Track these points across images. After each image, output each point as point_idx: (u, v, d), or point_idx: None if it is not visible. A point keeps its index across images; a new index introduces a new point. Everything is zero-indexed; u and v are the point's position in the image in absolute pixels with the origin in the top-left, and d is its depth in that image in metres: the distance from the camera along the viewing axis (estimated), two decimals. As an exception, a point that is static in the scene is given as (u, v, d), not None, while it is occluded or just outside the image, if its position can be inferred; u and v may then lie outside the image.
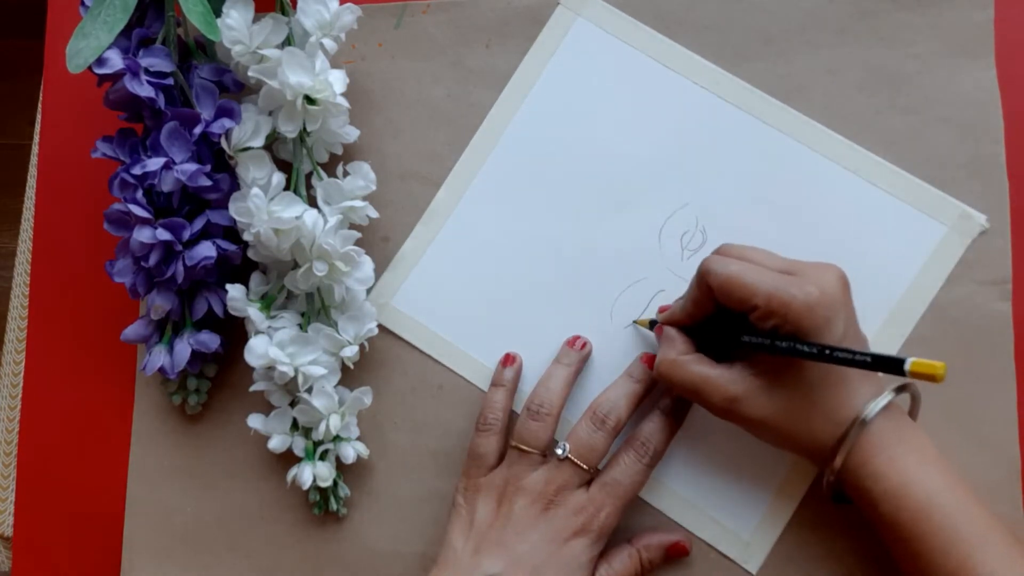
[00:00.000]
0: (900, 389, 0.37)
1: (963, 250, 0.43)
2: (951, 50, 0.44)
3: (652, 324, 0.44)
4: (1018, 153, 0.43)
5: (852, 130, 0.44)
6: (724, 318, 0.39)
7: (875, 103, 0.44)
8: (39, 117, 0.52)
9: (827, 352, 0.35)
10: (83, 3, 0.42)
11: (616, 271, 0.45)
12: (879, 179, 0.44)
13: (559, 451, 0.40)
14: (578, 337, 0.45)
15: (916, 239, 0.43)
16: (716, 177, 0.45)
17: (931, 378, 0.33)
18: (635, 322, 0.45)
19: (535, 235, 0.46)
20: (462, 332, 0.46)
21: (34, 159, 0.52)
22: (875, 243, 0.43)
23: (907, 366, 0.33)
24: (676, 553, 0.42)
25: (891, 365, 0.34)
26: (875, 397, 0.37)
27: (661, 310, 0.43)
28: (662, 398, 0.43)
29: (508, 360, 0.45)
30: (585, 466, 0.40)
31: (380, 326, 0.46)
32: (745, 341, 0.38)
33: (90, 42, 0.40)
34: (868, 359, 0.34)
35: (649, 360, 0.43)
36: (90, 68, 0.40)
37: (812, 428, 0.37)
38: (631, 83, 0.46)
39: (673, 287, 0.45)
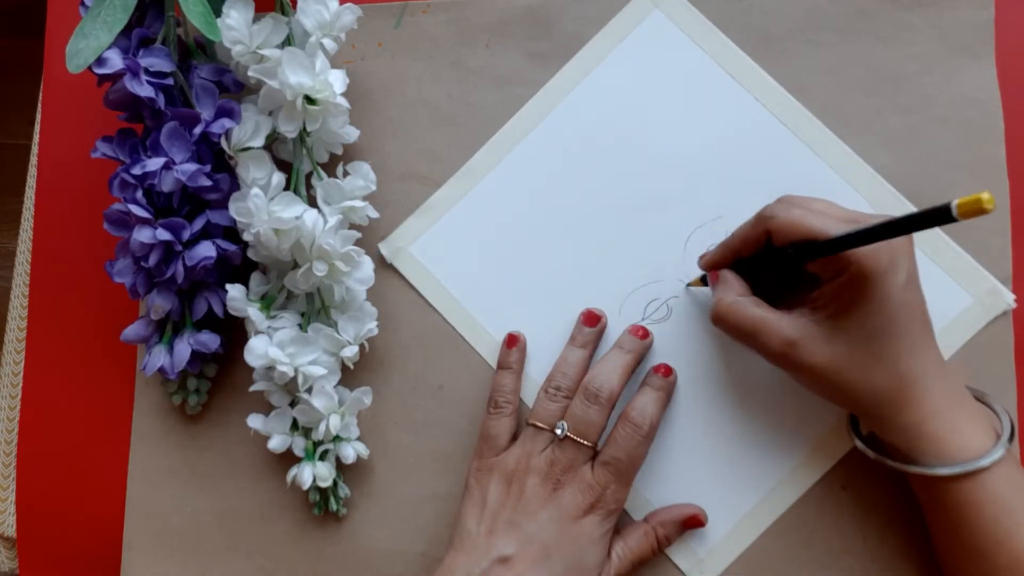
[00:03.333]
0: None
1: (983, 325, 0.42)
2: (951, 50, 0.44)
3: (703, 280, 0.43)
4: (1018, 153, 0.43)
5: (852, 130, 0.44)
6: (773, 257, 0.39)
7: (875, 103, 0.44)
8: (39, 117, 0.52)
9: (890, 225, 0.33)
10: (83, 3, 0.42)
11: (635, 268, 0.45)
12: (918, 236, 0.42)
13: (558, 431, 0.41)
14: (592, 312, 0.44)
15: (940, 304, 0.42)
16: (755, 195, 0.43)
17: (980, 211, 0.30)
18: (688, 285, 0.44)
19: (564, 215, 0.46)
20: (471, 292, 0.46)
21: (34, 159, 0.52)
22: None
23: (954, 209, 0.30)
24: (693, 525, 0.43)
25: (939, 215, 0.31)
26: (931, 349, 0.37)
27: (701, 258, 0.43)
28: (650, 374, 0.43)
29: (512, 341, 0.45)
30: (586, 442, 0.41)
31: (390, 266, 0.47)
32: (810, 264, 0.37)
33: (90, 42, 0.40)
34: (915, 214, 0.32)
35: (636, 330, 0.43)
36: (90, 68, 0.40)
37: (872, 378, 0.37)
38: (692, 84, 0.46)
39: (686, 295, 0.45)
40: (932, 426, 0.36)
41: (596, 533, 0.40)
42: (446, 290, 0.47)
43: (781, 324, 0.38)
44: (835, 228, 0.35)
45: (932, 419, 0.36)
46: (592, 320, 0.44)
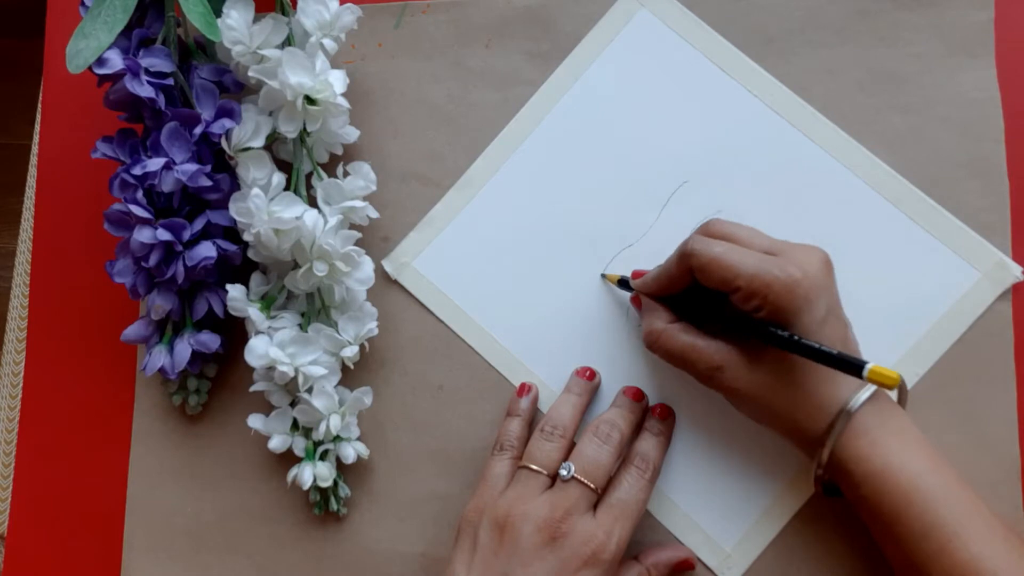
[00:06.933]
0: None
1: (993, 299, 0.42)
2: (951, 50, 0.44)
3: (621, 283, 0.44)
4: (1018, 153, 0.43)
5: (852, 130, 0.44)
6: (702, 291, 0.39)
7: (875, 103, 0.44)
8: (39, 117, 0.52)
9: (795, 339, 0.36)
10: (83, 3, 0.42)
11: (639, 268, 0.45)
12: (919, 214, 0.43)
13: (563, 472, 0.39)
14: (587, 368, 0.44)
15: (947, 281, 0.42)
16: (753, 187, 0.44)
17: (885, 386, 0.34)
18: (604, 276, 0.45)
19: (565, 220, 0.46)
20: (477, 303, 0.46)
21: (34, 159, 0.52)
22: (905, 278, 0.43)
23: (865, 373, 0.34)
24: (683, 568, 0.42)
25: (851, 368, 0.34)
26: (860, 386, 0.37)
27: (635, 275, 0.43)
28: (649, 419, 0.43)
29: (523, 390, 0.45)
30: (592, 485, 0.39)
31: (395, 282, 0.47)
32: (727, 317, 0.39)
33: (90, 42, 0.40)
34: (833, 353, 0.35)
35: (633, 393, 0.43)
36: (90, 68, 0.40)
37: (795, 410, 0.37)
38: (683, 81, 0.46)
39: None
40: (854, 448, 0.36)
41: None
42: (452, 302, 0.47)
43: (709, 350, 0.39)
44: (754, 264, 0.36)
45: (855, 441, 0.36)
46: (587, 374, 0.44)
